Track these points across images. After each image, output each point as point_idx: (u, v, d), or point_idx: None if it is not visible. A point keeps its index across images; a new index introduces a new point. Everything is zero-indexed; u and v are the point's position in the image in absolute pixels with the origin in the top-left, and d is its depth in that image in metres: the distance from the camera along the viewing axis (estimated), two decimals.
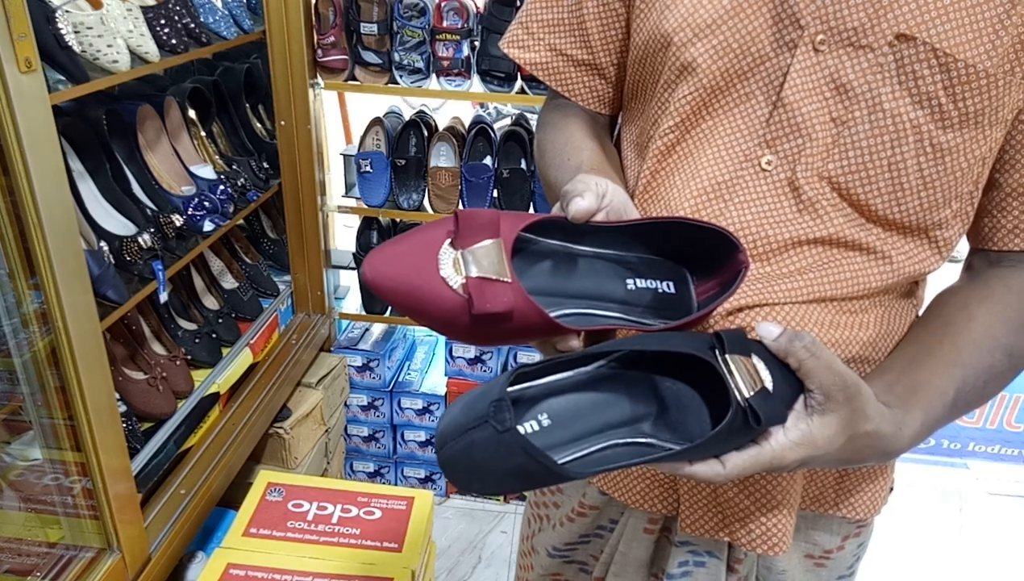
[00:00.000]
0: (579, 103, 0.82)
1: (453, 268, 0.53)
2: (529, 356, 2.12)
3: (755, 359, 0.56)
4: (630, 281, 0.61)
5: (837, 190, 0.66)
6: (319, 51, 1.83)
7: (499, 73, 1.80)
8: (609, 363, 0.58)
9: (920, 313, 0.76)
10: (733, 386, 0.54)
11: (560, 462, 0.55)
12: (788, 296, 0.67)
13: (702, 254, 0.61)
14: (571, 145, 0.78)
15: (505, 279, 0.53)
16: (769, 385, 0.55)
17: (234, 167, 1.75)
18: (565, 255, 0.61)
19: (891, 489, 0.83)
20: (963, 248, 0.76)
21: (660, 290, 0.62)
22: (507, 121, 2.12)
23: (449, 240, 0.55)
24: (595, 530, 0.87)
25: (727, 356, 0.56)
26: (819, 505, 0.78)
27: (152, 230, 1.38)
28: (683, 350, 0.56)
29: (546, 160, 0.81)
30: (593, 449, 0.57)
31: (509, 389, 0.53)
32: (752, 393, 0.54)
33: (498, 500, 2.25)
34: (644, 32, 0.71)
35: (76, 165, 1.34)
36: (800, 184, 0.66)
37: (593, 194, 0.58)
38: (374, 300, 2.10)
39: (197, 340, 1.65)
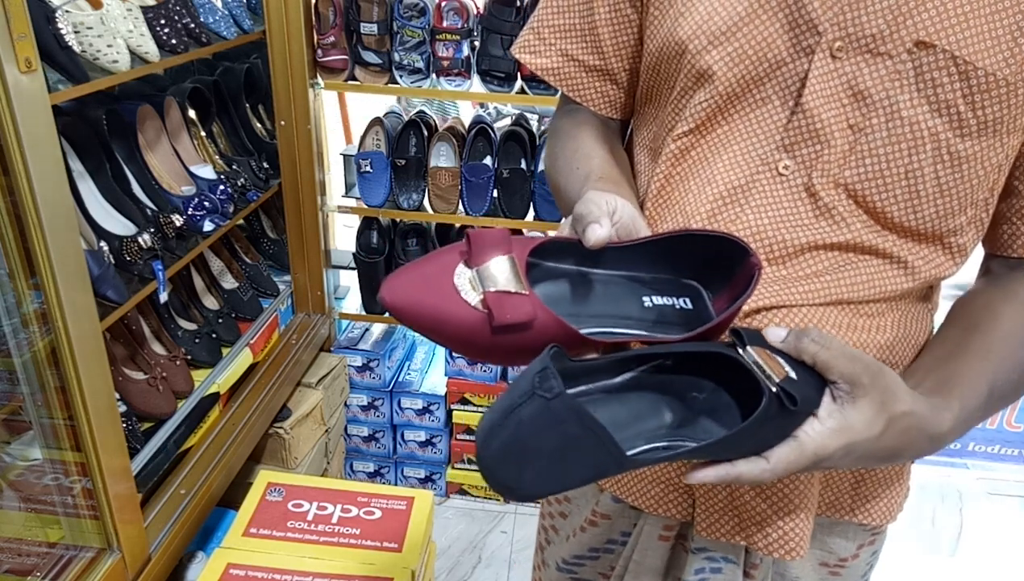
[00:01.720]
0: (591, 108, 0.82)
1: (470, 286, 0.54)
2: None
3: (775, 355, 0.56)
4: (646, 298, 0.62)
5: (853, 197, 0.66)
6: (319, 51, 1.83)
7: (499, 73, 1.80)
8: (637, 372, 0.58)
9: (935, 317, 0.76)
10: (761, 374, 0.54)
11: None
12: (804, 298, 0.67)
13: (714, 264, 0.60)
14: (580, 153, 0.77)
15: (522, 291, 0.53)
16: (793, 375, 0.55)
17: (234, 167, 1.75)
18: (576, 277, 0.61)
19: (906, 495, 0.82)
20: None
21: (678, 306, 0.62)
22: (507, 121, 2.12)
23: (463, 261, 0.55)
24: (605, 544, 0.86)
25: (748, 348, 0.56)
26: (835, 511, 0.77)
27: (152, 230, 1.38)
28: (706, 350, 0.56)
29: (556, 168, 0.81)
30: (635, 452, 0.56)
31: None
32: (780, 379, 0.54)
33: (498, 500, 2.25)
34: (658, 39, 0.71)
35: (76, 165, 1.34)
36: (817, 190, 0.66)
37: (608, 218, 0.58)
38: (374, 300, 2.10)
39: (197, 340, 1.65)
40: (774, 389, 0.53)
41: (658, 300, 0.62)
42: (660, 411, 0.59)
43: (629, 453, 0.53)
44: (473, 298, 0.54)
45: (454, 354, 2.12)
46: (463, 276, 0.55)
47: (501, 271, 0.54)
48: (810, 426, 0.55)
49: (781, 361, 0.56)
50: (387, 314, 2.13)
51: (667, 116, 0.73)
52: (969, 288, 0.74)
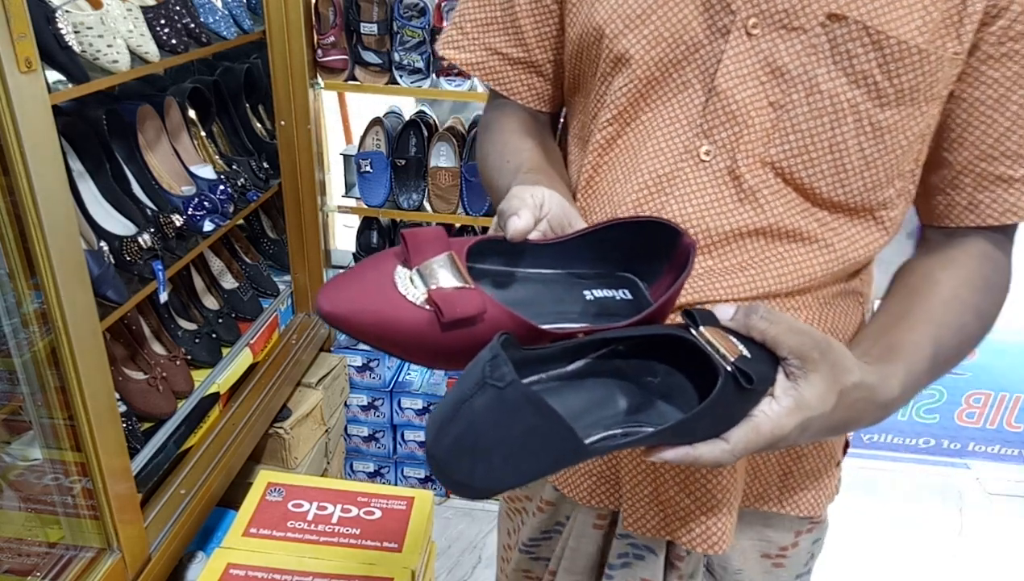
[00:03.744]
0: (518, 101, 0.82)
1: (412, 286, 0.52)
2: None
3: (727, 334, 0.56)
4: (587, 292, 0.61)
5: (780, 175, 0.66)
6: (319, 51, 1.83)
7: None
8: (590, 359, 0.57)
9: (868, 308, 0.77)
10: (715, 354, 0.54)
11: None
12: (729, 293, 0.67)
13: (647, 251, 0.60)
14: (510, 147, 0.77)
15: (468, 286, 0.52)
16: (747, 353, 0.55)
17: (234, 167, 1.75)
18: (513, 277, 0.59)
19: (837, 488, 0.83)
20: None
21: (618, 298, 0.61)
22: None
23: (400, 262, 0.54)
24: (554, 526, 0.88)
25: (701, 328, 0.55)
26: (763, 502, 0.78)
27: (152, 230, 1.38)
28: (659, 332, 0.56)
29: (488, 165, 0.80)
30: (592, 440, 0.55)
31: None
32: (734, 358, 0.53)
33: (498, 500, 2.25)
34: (577, 26, 0.71)
35: (76, 165, 1.34)
36: (741, 172, 0.66)
37: (528, 209, 0.57)
38: None
39: (197, 340, 1.65)
40: (729, 368, 0.53)
41: (599, 293, 0.61)
42: (616, 397, 0.58)
43: (587, 442, 0.52)
44: (418, 298, 0.52)
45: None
46: (403, 277, 0.53)
47: (442, 268, 0.52)
48: (767, 406, 0.55)
49: (734, 340, 0.55)
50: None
51: (591, 104, 0.73)
52: (908, 258, 0.74)
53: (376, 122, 1.97)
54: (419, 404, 2.14)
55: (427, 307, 0.51)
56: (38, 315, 1.07)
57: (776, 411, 0.55)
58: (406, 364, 2.24)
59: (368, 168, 1.93)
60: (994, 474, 2.41)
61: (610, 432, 0.56)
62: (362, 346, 2.14)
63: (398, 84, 1.85)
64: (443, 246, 0.54)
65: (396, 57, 1.82)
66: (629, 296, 0.61)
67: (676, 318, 0.66)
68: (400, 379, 2.17)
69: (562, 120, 0.86)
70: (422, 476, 2.25)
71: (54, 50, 1.08)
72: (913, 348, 0.64)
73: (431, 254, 0.53)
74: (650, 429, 0.55)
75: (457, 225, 2.08)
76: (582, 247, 0.60)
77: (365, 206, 1.98)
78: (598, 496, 0.79)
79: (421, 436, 2.18)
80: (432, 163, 1.94)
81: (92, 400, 1.12)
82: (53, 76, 1.09)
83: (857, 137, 0.64)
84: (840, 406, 0.57)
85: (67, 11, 1.12)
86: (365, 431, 2.20)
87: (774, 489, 0.78)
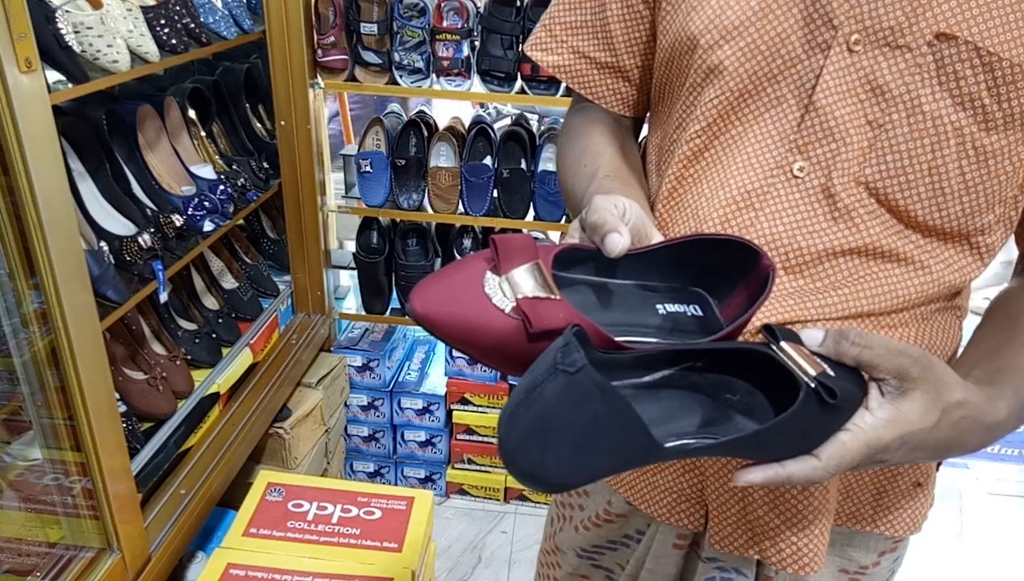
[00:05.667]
0: (602, 106, 0.81)
1: (501, 293, 0.53)
2: None
3: (812, 354, 0.55)
4: (660, 306, 0.60)
5: (875, 196, 0.64)
6: (319, 51, 1.83)
7: (499, 73, 1.80)
8: (667, 371, 0.57)
9: (963, 325, 0.74)
10: (796, 368, 0.52)
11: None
12: (821, 313, 0.65)
13: (722, 269, 0.59)
14: (590, 151, 0.76)
15: (554, 297, 0.52)
16: (831, 372, 0.53)
17: (234, 167, 1.75)
18: (590, 286, 0.59)
19: (931, 505, 0.80)
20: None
21: (689, 313, 0.61)
22: (507, 121, 2.12)
23: (489, 268, 0.54)
24: (622, 538, 0.86)
25: (782, 343, 0.54)
26: (856, 521, 0.76)
27: (152, 230, 1.38)
28: (736, 347, 0.55)
29: (565, 166, 0.79)
30: (669, 446, 0.54)
31: None
32: (816, 374, 0.52)
33: (498, 500, 2.25)
34: (670, 34, 0.70)
35: (76, 165, 1.34)
36: (836, 190, 0.64)
37: (625, 226, 0.56)
38: (373, 300, 2.10)
39: (197, 340, 1.65)
40: (812, 384, 0.51)
41: (671, 308, 0.60)
42: (693, 410, 0.57)
43: (667, 446, 0.51)
44: (506, 305, 0.52)
45: (454, 354, 2.11)
46: (493, 283, 0.53)
47: (532, 277, 0.53)
48: (860, 418, 0.54)
49: (818, 359, 0.54)
50: (387, 314, 2.13)
51: (678, 115, 0.71)
52: (1006, 286, 0.72)
53: (376, 122, 1.97)
54: (419, 404, 2.14)
55: (515, 316, 0.52)
56: (38, 315, 1.07)
57: (872, 423, 0.53)
58: (406, 364, 2.25)
59: (368, 168, 1.93)
60: (994, 474, 2.41)
61: (685, 441, 0.55)
62: (362, 346, 2.14)
63: (398, 84, 1.85)
64: (532, 254, 0.54)
65: (396, 57, 1.82)
66: (699, 312, 0.61)
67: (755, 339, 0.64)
68: (400, 379, 2.17)
69: (645, 126, 0.85)
70: (422, 476, 2.25)
71: (54, 50, 1.08)
72: (1021, 371, 0.62)
73: (520, 262, 0.53)
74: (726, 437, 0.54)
75: (457, 225, 2.08)
76: (657, 260, 0.59)
77: (365, 206, 1.98)
78: (678, 514, 0.76)
79: (421, 436, 2.18)
80: (432, 163, 1.94)
81: (92, 400, 1.12)
82: (53, 76, 1.09)
83: (958, 161, 0.61)
84: (943, 425, 0.55)
85: (67, 11, 1.12)
86: (365, 431, 2.20)
87: (867, 508, 0.75)
